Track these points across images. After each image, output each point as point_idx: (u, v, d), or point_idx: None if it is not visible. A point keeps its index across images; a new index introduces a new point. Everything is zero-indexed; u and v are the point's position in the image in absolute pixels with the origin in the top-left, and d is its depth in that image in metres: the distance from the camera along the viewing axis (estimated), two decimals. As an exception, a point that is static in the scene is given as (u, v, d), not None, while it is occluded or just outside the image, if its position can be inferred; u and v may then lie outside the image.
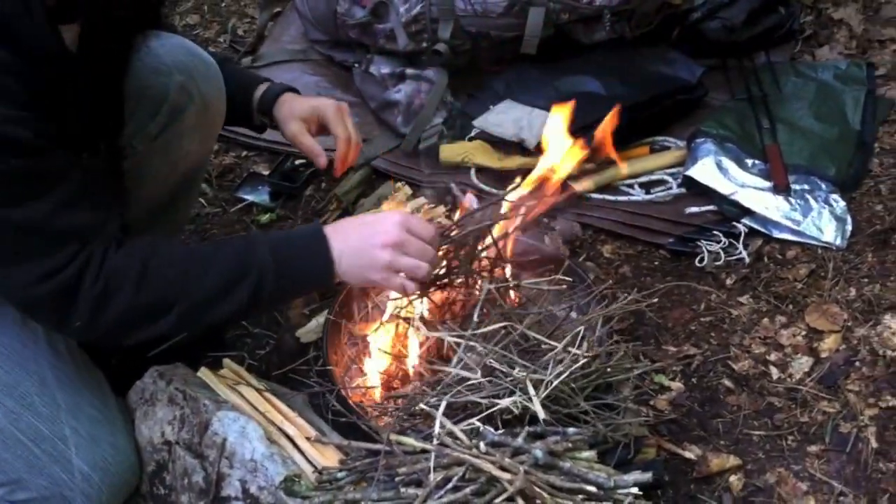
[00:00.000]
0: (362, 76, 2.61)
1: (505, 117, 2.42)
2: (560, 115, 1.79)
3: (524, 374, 1.56)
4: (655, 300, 1.84)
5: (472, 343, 1.63)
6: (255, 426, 1.61)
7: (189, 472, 1.64)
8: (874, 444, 1.76)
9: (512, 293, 1.83)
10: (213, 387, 1.72)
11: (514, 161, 2.36)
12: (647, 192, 2.33)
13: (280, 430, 1.64)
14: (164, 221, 1.86)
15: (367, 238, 1.49)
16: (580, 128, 2.28)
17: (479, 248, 1.73)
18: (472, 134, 2.44)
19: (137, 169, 1.69)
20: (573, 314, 1.83)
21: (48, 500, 1.49)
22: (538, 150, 2.30)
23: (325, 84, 2.72)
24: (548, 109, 2.34)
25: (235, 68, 1.92)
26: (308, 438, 1.62)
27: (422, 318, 1.76)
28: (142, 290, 1.38)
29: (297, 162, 2.53)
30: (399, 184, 2.31)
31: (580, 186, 2.33)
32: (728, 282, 2.12)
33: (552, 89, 2.46)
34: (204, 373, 1.75)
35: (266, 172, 2.55)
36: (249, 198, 2.49)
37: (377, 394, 1.78)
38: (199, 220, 2.44)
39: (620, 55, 2.50)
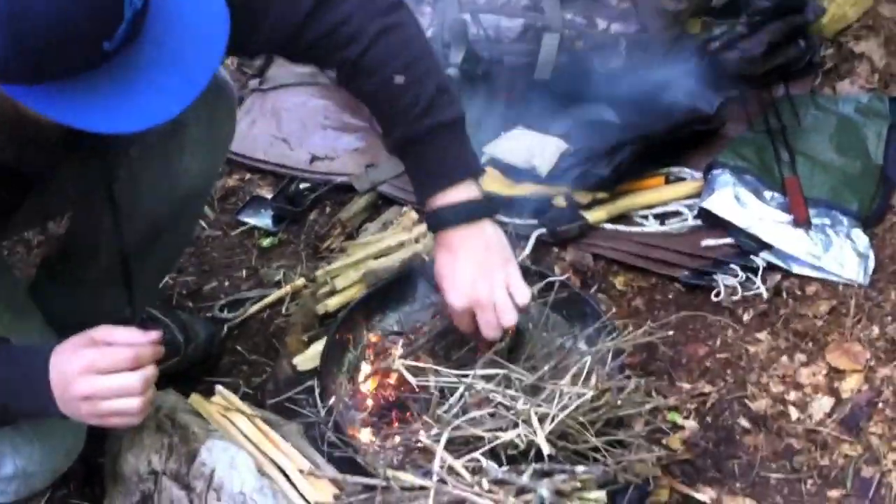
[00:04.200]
0: (371, 100, 2.56)
1: (516, 144, 2.36)
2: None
3: (528, 406, 1.48)
4: (670, 333, 1.76)
5: (471, 382, 1.56)
6: (245, 457, 1.53)
7: None
8: (899, 490, 1.67)
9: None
10: (203, 414, 1.65)
11: (525, 189, 2.29)
12: (662, 224, 2.26)
13: (272, 461, 1.56)
14: (165, 241, 1.79)
15: (64, 389, 1.35)
16: (593, 156, 2.26)
17: None
18: (483, 161, 2.37)
19: (133, 177, 1.63)
20: (582, 345, 1.75)
21: None
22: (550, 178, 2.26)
23: (333, 108, 2.67)
24: (560, 136, 2.33)
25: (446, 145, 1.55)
26: (301, 471, 1.54)
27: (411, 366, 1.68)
28: None
29: (302, 186, 2.48)
30: (405, 209, 2.24)
31: (592, 216, 2.26)
32: (745, 317, 2.04)
33: (566, 117, 2.40)
34: (195, 399, 1.68)
35: (269, 196, 2.50)
36: (252, 221, 2.44)
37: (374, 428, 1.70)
38: (200, 242, 2.39)
39: (636, 83, 2.43)
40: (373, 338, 1.82)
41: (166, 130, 1.59)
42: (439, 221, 1.55)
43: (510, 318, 1.55)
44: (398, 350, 1.76)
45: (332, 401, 1.69)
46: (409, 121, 1.51)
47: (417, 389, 1.62)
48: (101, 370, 1.34)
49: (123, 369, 1.35)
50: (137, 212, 1.67)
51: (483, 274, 1.54)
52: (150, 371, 1.38)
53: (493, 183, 2.33)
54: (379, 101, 1.55)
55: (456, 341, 1.71)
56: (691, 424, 1.83)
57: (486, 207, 1.56)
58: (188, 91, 1.14)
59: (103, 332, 1.38)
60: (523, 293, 1.56)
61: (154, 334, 1.40)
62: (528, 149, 2.33)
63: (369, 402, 1.72)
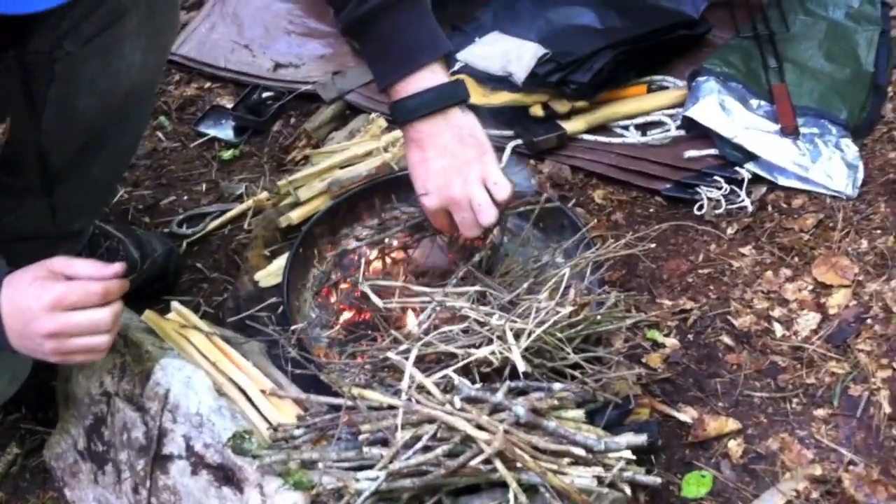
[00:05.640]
0: (338, 4, 2.42)
1: (492, 50, 2.23)
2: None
3: (502, 322, 1.39)
4: (653, 245, 1.67)
5: (443, 299, 1.47)
6: (202, 376, 1.44)
7: (129, 426, 1.47)
8: (887, 408, 1.60)
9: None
10: (158, 332, 1.55)
11: (501, 97, 2.18)
12: (643, 134, 2.16)
13: (231, 381, 1.47)
14: (111, 146, 1.67)
15: (25, 325, 1.26)
16: (572, 62, 2.14)
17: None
18: (456, 68, 2.25)
19: (71, 74, 1.50)
20: (560, 260, 1.66)
21: None
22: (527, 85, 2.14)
23: (297, 12, 2.54)
24: (539, 42, 2.20)
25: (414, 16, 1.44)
26: (263, 391, 1.45)
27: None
28: None
29: (265, 95, 2.37)
30: (374, 115, 2.12)
31: (571, 127, 2.15)
32: (729, 231, 1.96)
33: (544, 21, 2.28)
34: (149, 316, 1.58)
35: (230, 105, 2.39)
36: (212, 132, 2.34)
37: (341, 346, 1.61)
38: (157, 155, 2.28)
39: (617, -15, 2.31)
40: (339, 247, 1.73)
41: (102, 21, 1.46)
42: (404, 113, 1.44)
43: (489, 216, 1.44)
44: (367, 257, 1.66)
45: (295, 318, 1.60)
46: None
47: (383, 311, 1.53)
48: (69, 306, 1.25)
49: (93, 305, 1.27)
50: (78, 112, 1.55)
51: (457, 170, 1.44)
52: (118, 306, 1.31)
53: (467, 91, 2.22)
54: None
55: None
56: (672, 342, 1.75)
57: (454, 93, 1.44)
58: None
59: (61, 263, 1.29)
60: (502, 187, 1.45)
61: (117, 267, 1.31)
62: (503, 55, 2.20)
63: (335, 319, 1.63)
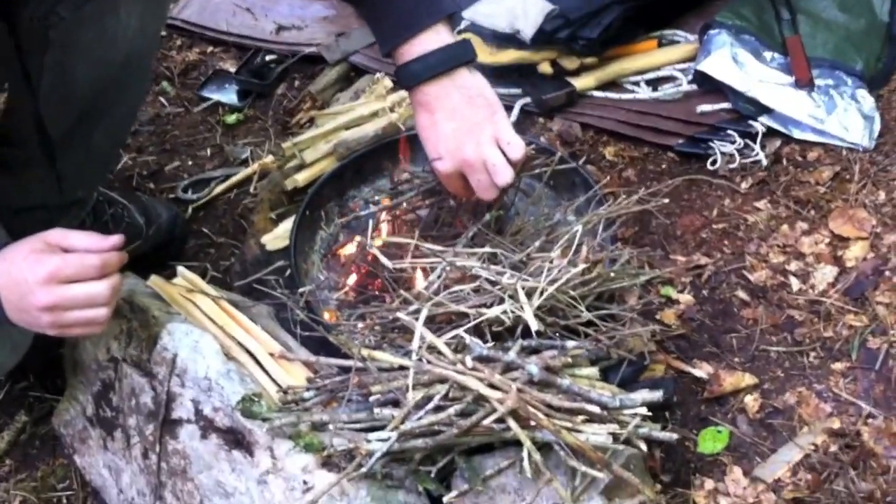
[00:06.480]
0: (340, -36, 2.38)
1: (497, 7, 2.18)
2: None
3: (514, 280, 1.37)
4: (666, 201, 1.63)
5: (453, 259, 1.44)
6: (209, 340, 1.42)
7: (137, 391, 1.45)
8: (906, 360, 1.58)
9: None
10: (164, 297, 1.53)
11: (508, 55, 2.13)
12: (654, 90, 2.11)
13: (240, 344, 1.45)
14: (108, 114, 1.63)
15: (21, 298, 1.24)
16: (581, 17, 2.09)
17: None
18: (462, 27, 2.22)
19: (66, 41, 1.47)
20: (571, 218, 1.63)
21: None
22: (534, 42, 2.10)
23: (299, -26, 2.49)
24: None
25: None
26: (271, 354, 1.43)
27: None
28: None
29: (268, 58, 2.34)
30: (379, 75, 2.08)
31: (580, 83, 2.11)
32: (743, 186, 1.92)
33: (550, -24, 2.22)
34: (154, 282, 1.56)
35: (233, 69, 2.35)
36: (215, 97, 2.30)
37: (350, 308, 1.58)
38: (160, 120, 2.25)
39: (626, -62, 2.25)
40: (348, 210, 1.71)
41: None
42: (410, 76, 1.41)
43: (505, 176, 1.42)
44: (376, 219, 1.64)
45: (303, 280, 1.58)
46: None
47: (393, 271, 1.51)
48: (65, 279, 1.23)
49: (90, 278, 1.25)
50: (75, 79, 1.52)
51: (468, 131, 1.41)
52: (117, 279, 1.28)
53: (474, 50, 2.17)
54: None
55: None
56: (687, 298, 1.73)
57: (460, 53, 1.42)
58: None
59: (58, 235, 1.27)
60: (516, 146, 1.43)
61: (115, 239, 1.29)
62: (510, 11, 2.15)
63: (344, 281, 1.61)
